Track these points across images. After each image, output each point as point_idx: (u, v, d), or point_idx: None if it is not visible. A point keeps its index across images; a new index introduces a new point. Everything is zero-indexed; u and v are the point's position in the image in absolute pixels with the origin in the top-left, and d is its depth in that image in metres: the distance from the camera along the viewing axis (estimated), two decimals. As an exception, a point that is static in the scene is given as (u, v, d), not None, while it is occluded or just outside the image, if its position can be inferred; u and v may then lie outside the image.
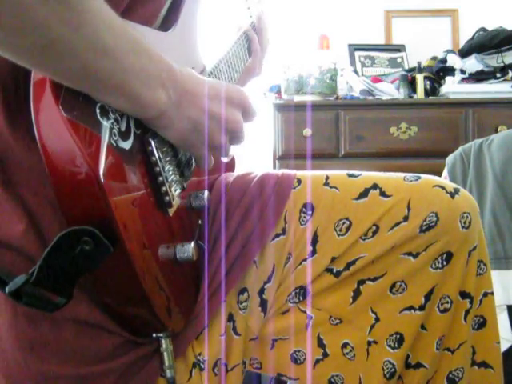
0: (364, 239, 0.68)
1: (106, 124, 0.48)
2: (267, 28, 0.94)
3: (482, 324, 0.72)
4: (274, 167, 2.02)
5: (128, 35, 0.48)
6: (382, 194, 0.69)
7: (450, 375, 0.70)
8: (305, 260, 0.69)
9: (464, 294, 0.70)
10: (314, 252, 0.69)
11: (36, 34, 0.41)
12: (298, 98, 2.08)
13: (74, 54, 0.43)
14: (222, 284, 0.64)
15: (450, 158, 1.49)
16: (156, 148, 0.54)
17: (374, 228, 0.68)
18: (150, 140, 0.54)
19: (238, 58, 0.82)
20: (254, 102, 0.63)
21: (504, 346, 1.17)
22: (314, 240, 0.69)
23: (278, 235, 0.69)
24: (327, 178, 0.71)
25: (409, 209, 0.68)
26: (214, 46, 0.85)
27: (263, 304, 0.69)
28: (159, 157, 0.55)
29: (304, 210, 0.69)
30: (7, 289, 0.47)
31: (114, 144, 0.48)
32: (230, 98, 0.59)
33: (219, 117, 0.58)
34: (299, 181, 0.71)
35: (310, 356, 0.71)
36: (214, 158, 0.64)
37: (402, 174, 0.72)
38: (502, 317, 1.27)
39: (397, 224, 0.68)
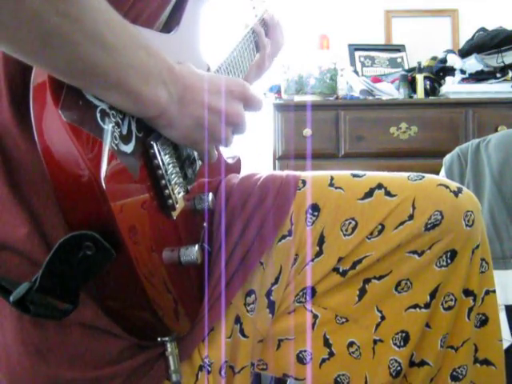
0: (370, 238, 0.69)
1: (106, 128, 0.47)
2: (279, 23, 0.94)
3: (484, 322, 0.73)
4: (274, 167, 2.01)
5: (128, 32, 0.48)
6: (387, 193, 0.69)
7: (454, 373, 0.71)
8: (311, 261, 0.69)
9: (467, 292, 0.70)
10: (320, 253, 0.69)
11: (31, 24, 0.40)
12: (297, 98, 2.07)
13: (72, 46, 0.43)
14: (223, 284, 0.64)
15: (447, 158, 1.49)
16: (158, 151, 0.54)
17: (380, 227, 0.68)
18: (152, 143, 0.53)
19: (243, 57, 0.81)
20: (256, 93, 0.63)
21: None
22: (321, 241, 0.69)
23: (284, 237, 0.69)
24: (332, 178, 0.71)
25: (414, 207, 0.68)
26: (219, 46, 0.85)
27: (271, 305, 0.69)
28: (161, 159, 0.54)
29: (310, 211, 0.69)
30: (11, 298, 0.47)
31: (115, 148, 0.48)
32: (231, 91, 0.59)
33: (220, 111, 0.57)
34: (304, 182, 0.71)
35: (314, 355, 0.71)
36: (217, 150, 0.64)
37: (405, 174, 0.72)
38: (501, 317, 1.26)
39: (402, 223, 0.68)
